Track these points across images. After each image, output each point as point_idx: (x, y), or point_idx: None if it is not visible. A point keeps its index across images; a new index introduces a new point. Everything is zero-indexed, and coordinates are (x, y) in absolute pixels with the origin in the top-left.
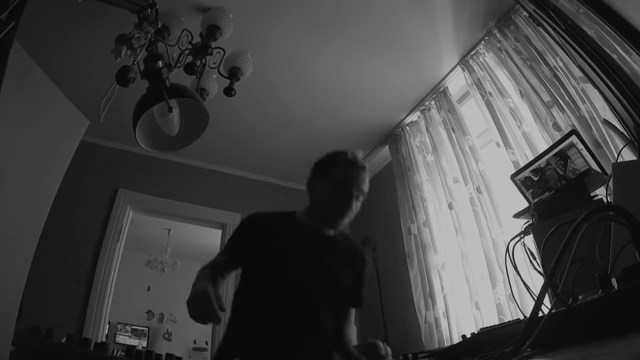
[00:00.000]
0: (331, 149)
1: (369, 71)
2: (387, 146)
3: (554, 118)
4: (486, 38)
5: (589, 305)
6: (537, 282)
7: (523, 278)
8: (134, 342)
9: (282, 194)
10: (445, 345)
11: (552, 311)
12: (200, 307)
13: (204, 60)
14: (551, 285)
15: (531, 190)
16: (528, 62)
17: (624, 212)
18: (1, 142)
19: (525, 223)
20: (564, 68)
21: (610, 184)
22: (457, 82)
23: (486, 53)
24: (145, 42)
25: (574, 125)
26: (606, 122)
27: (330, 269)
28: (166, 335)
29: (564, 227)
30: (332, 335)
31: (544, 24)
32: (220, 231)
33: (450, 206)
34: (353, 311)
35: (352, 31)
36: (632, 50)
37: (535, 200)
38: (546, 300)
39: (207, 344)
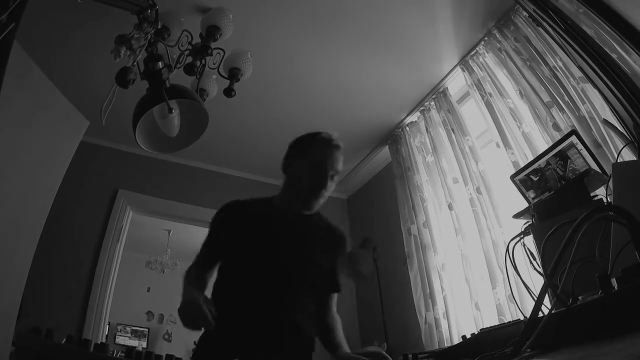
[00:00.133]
0: None
1: (369, 71)
2: (387, 146)
3: (554, 118)
4: (486, 38)
5: (588, 306)
6: (537, 282)
7: (523, 278)
8: (133, 343)
9: None
10: (445, 345)
11: (552, 311)
12: (192, 314)
13: (203, 61)
14: (551, 286)
15: (531, 190)
16: (528, 63)
17: (623, 212)
18: (1, 142)
19: (525, 223)
20: (563, 68)
21: (610, 184)
22: (456, 83)
23: (486, 53)
24: (145, 43)
25: (573, 125)
26: (606, 122)
27: (309, 252)
28: (166, 336)
29: (563, 228)
30: (312, 320)
31: (544, 24)
32: None
33: (450, 207)
34: (334, 297)
35: (352, 31)
36: (631, 50)
37: (535, 201)
38: (546, 301)
39: None
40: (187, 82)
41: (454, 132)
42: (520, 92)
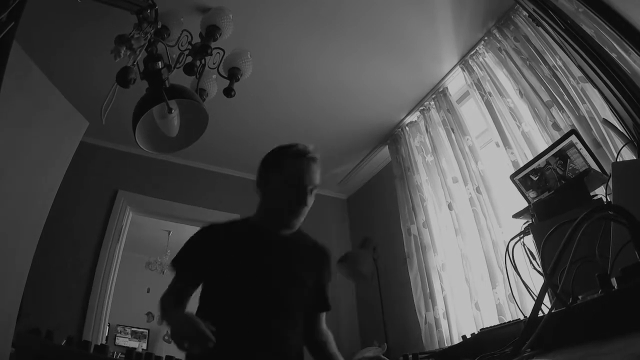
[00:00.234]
0: (331, 149)
1: (369, 71)
2: (387, 146)
3: (554, 118)
4: (486, 38)
5: (588, 305)
6: (537, 282)
7: (523, 278)
8: (134, 344)
9: None
10: (446, 345)
11: (552, 311)
12: (189, 335)
13: (203, 61)
14: (551, 285)
15: (531, 190)
16: (527, 62)
17: (623, 212)
18: (1, 142)
19: (525, 223)
20: (563, 68)
21: (610, 183)
22: (456, 82)
23: (486, 53)
24: (144, 43)
25: (573, 125)
26: (606, 122)
27: (294, 273)
28: (166, 338)
29: (563, 227)
30: (301, 338)
31: (544, 23)
32: None
33: (449, 206)
34: (323, 315)
35: (352, 31)
36: (631, 50)
37: (534, 200)
38: (546, 300)
39: None
40: (186, 82)
41: (453, 132)
42: (520, 92)
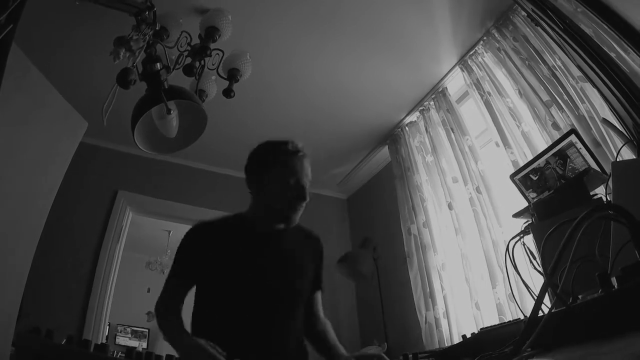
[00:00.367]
0: (331, 149)
1: (368, 71)
2: (387, 146)
3: (553, 117)
4: (485, 38)
5: (588, 305)
6: (537, 281)
7: (523, 278)
8: (134, 343)
9: None
10: (446, 345)
11: (552, 311)
12: None
13: (202, 62)
14: (551, 285)
15: (530, 189)
16: (527, 62)
17: (623, 211)
18: (0, 142)
19: (525, 223)
20: (562, 67)
21: (610, 183)
22: (456, 82)
23: (485, 53)
24: (143, 44)
25: (573, 124)
26: (605, 121)
27: (297, 267)
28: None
29: (563, 227)
30: (302, 329)
31: (543, 23)
32: None
33: (449, 206)
34: (319, 299)
35: (351, 31)
36: (630, 49)
37: (534, 200)
38: (546, 300)
39: None
40: (186, 83)
41: (453, 132)
42: (520, 92)
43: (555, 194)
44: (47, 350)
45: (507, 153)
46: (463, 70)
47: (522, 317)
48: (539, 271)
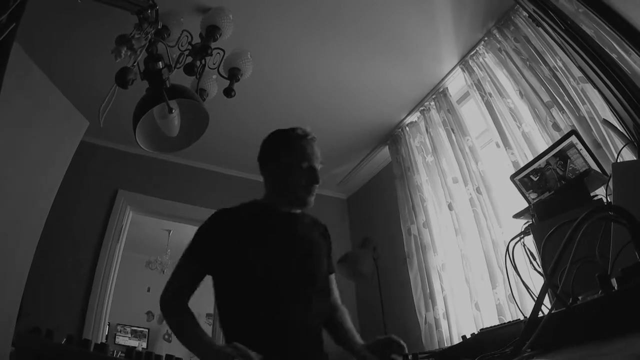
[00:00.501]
0: (331, 149)
1: (369, 71)
2: (387, 147)
3: (554, 118)
4: (486, 38)
5: (588, 306)
6: (537, 282)
7: (523, 278)
8: (134, 343)
9: None
10: (445, 345)
11: (552, 311)
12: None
13: (203, 61)
14: (551, 286)
15: (531, 190)
16: (528, 63)
17: (623, 212)
18: (1, 142)
19: (525, 223)
20: (563, 68)
21: (610, 184)
22: (456, 83)
23: (486, 53)
24: (145, 43)
25: (573, 125)
26: (606, 122)
27: (317, 244)
28: (166, 337)
29: (563, 227)
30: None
31: (544, 24)
32: None
33: (450, 207)
34: (334, 284)
35: (352, 31)
36: (631, 50)
37: (535, 201)
38: (546, 301)
39: None
40: (187, 82)
41: (453, 132)
42: (520, 92)
43: (555, 194)
44: (47, 350)
45: (507, 154)
46: (464, 71)
47: (522, 318)
48: (539, 272)
